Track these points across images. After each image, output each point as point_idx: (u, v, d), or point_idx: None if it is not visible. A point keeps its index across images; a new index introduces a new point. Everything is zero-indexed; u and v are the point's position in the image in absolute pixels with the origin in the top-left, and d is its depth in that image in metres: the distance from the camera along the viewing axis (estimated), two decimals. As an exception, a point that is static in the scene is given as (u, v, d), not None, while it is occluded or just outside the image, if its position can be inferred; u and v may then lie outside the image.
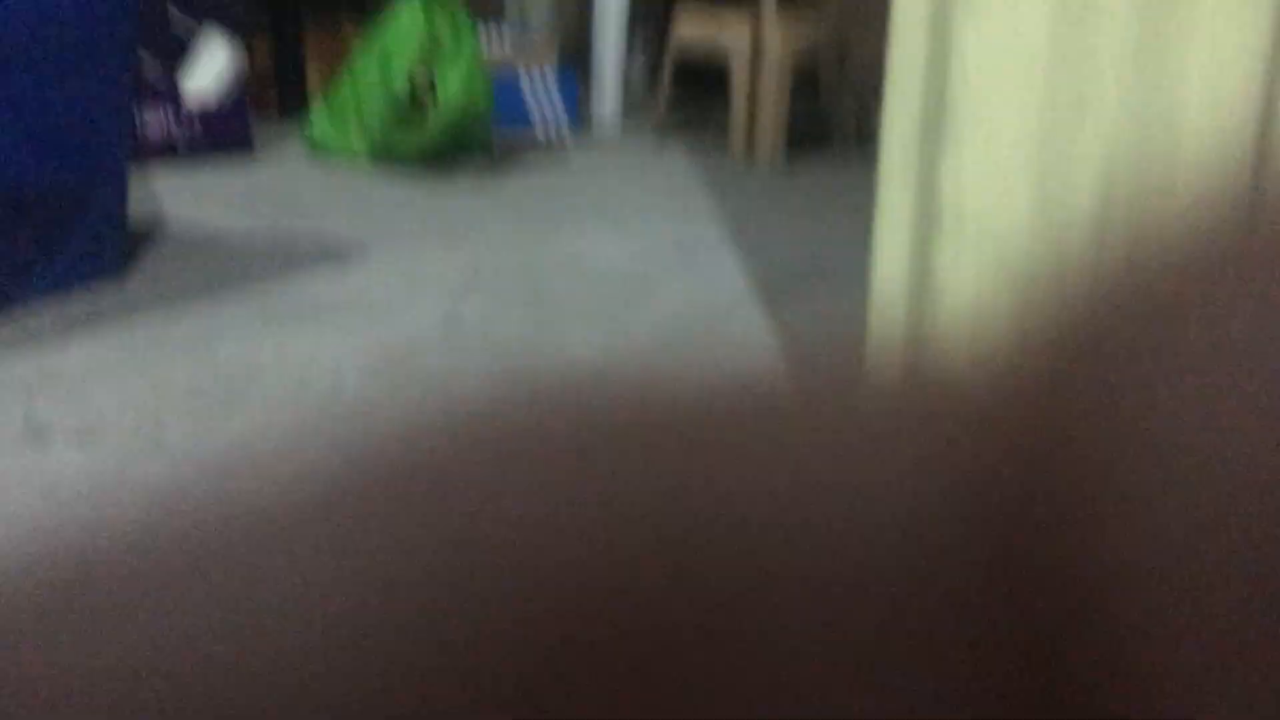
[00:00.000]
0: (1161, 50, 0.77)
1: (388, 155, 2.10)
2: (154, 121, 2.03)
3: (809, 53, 2.34)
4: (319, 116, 2.18)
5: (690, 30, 2.36)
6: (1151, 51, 0.77)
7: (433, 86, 2.10)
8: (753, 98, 2.29)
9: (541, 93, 2.45)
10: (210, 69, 2.12)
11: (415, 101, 2.09)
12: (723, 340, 1.36)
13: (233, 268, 1.54)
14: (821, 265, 1.65)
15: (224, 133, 2.12)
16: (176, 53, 2.08)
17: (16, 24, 1.25)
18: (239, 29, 2.22)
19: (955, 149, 0.83)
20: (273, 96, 2.47)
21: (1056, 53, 0.80)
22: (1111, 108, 0.79)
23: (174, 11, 2.08)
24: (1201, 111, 0.76)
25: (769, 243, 1.75)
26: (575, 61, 2.75)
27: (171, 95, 2.06)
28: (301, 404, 1.14)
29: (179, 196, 1.88)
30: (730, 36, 2.28)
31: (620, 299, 1.48)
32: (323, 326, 1.34)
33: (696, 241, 1.74)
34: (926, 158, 0.87)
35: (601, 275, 1.57)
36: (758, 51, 2.27)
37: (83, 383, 1.17)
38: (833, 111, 2.56)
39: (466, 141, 2.20)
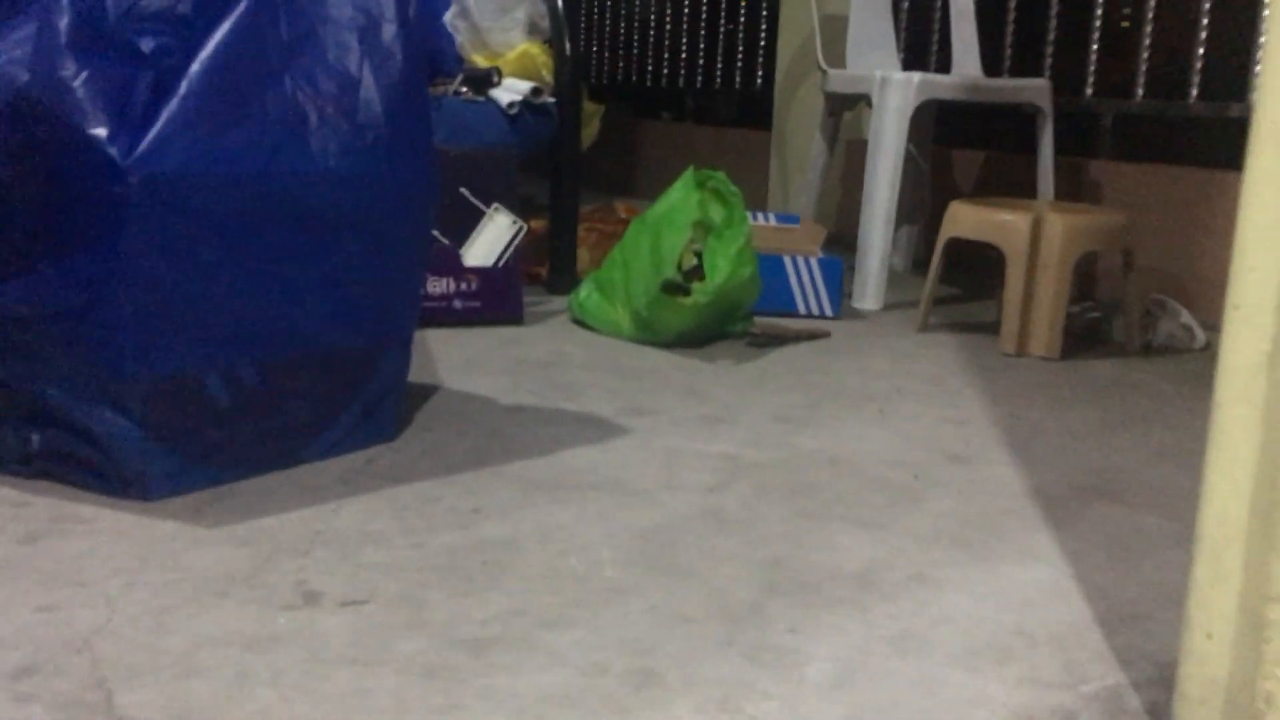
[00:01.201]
0: None
1: (650, 333, 2.13)
2: (435, 288, 2.14)
3: (1090, 250, 2.24)
4: (586, 290, 2.24)
5: (963, 229, 2.30)
6: None
7: (701, 267, 2.13)
8: (1028, 294, 2.20)
9: (806, 279, 2.44)
10: (491, 246, 2.22)
11: (683, 281, 2.12)
12: (1006, 555, 1.25)
13: (498, 439, 1.56)
14: (1110, 479, 1.52)
15: (498, 303, 2.21)
16: (464, 228, 2.20)
17: (334, 192, 1.33)
18: (520, 209, 2.34)
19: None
20: (544, 273, 2.57)
21: None
22: None
23: (465, 192, 2.21)
24: None
25: (1048, 448, 1.63)
26: (839, 244, 2.74)
27: (454, 268, 2.17)
28: (558, 585, 1.11)
29: (452, 362, 1.95)
30: (1006, 235, 2.21)
31: (886, 499, 1.40)
32: (582, 506, 1.33)
33: (967, 441, 1.65)
34: (1273, 395, 0.77)
35: (865, 472, 1.49)
36: (1035, 248, 2.19)
37: (352, 545, 1.19)
38: (1112, 313, 2.43)
39: (728, 324, 2.20)
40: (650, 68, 4.86)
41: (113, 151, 1.17)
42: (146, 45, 1.26)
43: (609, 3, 5.10)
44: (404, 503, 1.31)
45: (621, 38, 5.03)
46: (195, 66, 1.24)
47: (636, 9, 4.91)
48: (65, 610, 1.01)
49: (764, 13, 4.14)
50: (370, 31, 1.37)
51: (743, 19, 4.28)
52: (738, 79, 4.35)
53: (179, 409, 1.27)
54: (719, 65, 4.45)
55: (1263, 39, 0.75)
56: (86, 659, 0.93)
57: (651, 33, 4.83)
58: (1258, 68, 2.26)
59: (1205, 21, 2.64)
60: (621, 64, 5.04)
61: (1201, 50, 2.66)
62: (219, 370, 1.29)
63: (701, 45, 4.53)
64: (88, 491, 1.28)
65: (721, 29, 4.40)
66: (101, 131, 1.17)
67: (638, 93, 4.95)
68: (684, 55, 4.64)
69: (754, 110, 4.11)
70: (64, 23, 1.20)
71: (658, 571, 1.16)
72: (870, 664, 0.99)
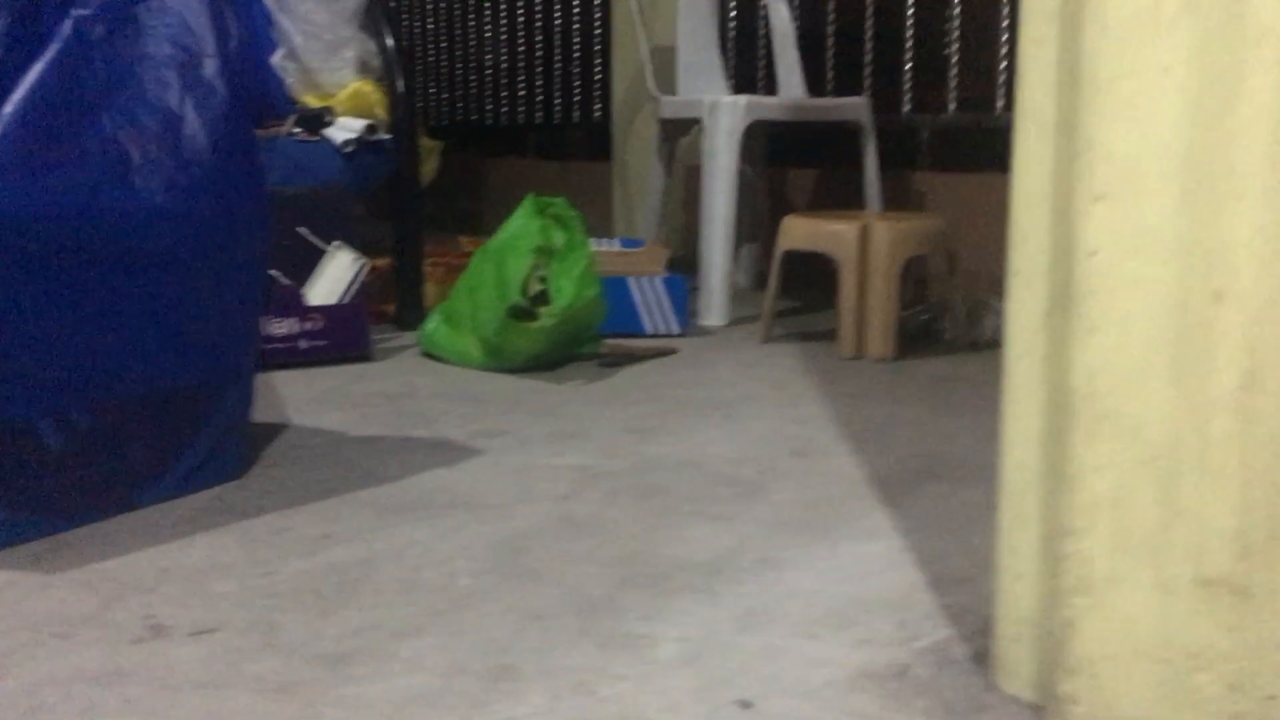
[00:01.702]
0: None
1: (500, 359, 2.15)
2: (279, 330, 2.12)
3: (916, 255, 2.36)
4: (434, 322, 2.25)
5: (797, 239, 2.40)
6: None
7: (545, 292, 2.17)
8: (862, 299, 2.30)
9: (652, 299, 2.50)
10: (334, 283, 2.22)
11: (527, 307, 2.15)
12: (845, 535, 1.31)
13: (349, 468, 1.56)
14: (939, 461, 1.60)
15: (344, 341, 2.20)
16: (302, 267, 2.19)
17: (160, 229, 1.32)
18: (363, 247, 2.34)
19: (1085, 338, 0.81)
20: (391, 310, 2.57)
21: (1188, 240, 0.78)
22: (1250, 295, 0.77)
23: (304, 231, 2.20)
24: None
25: (882, 438, 1.72)
26: (683, 266, 2.82)
27: (298, 307, 2.15)
28: (414, 597, 1.13)
29: (299, 400, 1.93)
30: (836, 244, 2.32)
31: (733, 493, 1.45)
32: (436, 523, 1.34)
33: (809, 436, 1.72)
34: (1055, 346, 0.85)
35: (714, 471, 1.55)
36: (865, 255, 2.30)
37: (199, 578, 1.17)
38: (941, 313, 2.56)
39: (578, 346, 2.24)
40: (490, 106, 4.90)
41: (-77, 196, 1.14)
42: (-45, 88, 1.24)
43: (445, 44, 5.13)
44: (253, 535, 1.30)
45: (459, 78, 5.06)
46: (8, 108, 1.22)
47: (473, 50, 4.95)
48: (-105, 665, 0.98)
49: (597, 46, 4.23)
50: (190, 67, 1.37)
51: (577, 54, 4.36)
52: (577, 112, 4.42)
53: (9, 458, 1.23)
54: (557, 100, 4.52)
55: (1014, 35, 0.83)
56: (-80, 709, 0.90)
57: (489, 71, 4.87)
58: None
59: (1005, 39, 2.83)
60: (461, 104, 5.07)
61: (1004, 65, 2.84)
62: (49, 415, 1.26)
63: (539, 82, 4.60)
64: (-85, 549, 1.23)
65: (557, 64, 4.48)
66: (-90, 176, 1.14)
67: (480, 131, 4.99)
68: (523, 92, 4.70)
69: (596, 142, 4.19)
70: None
71: (512, 577, 1.18)
72: (718, 640, 1.03)
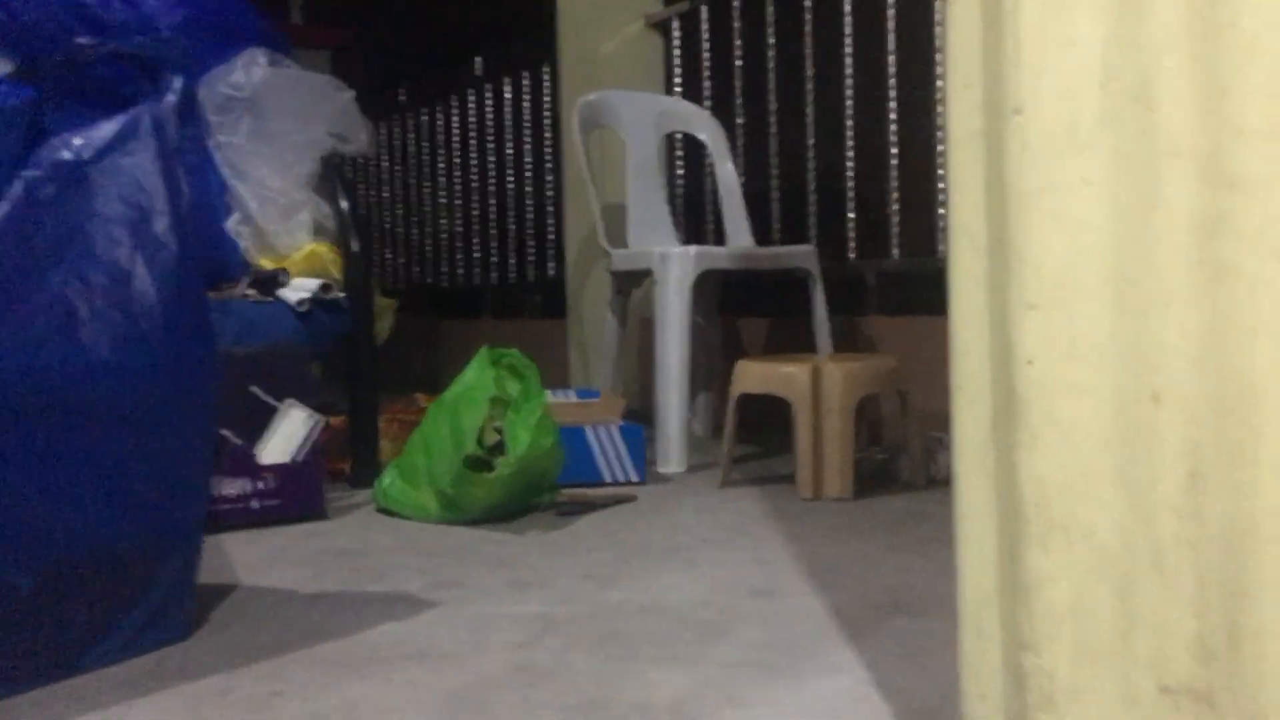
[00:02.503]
0: (1228, 336, 0.76)
1: (457, 511, 2.12)
2: (231, 490, 2.09)
3: (868, 394, 2.38)
4: (390, 477, 2.23)
5: (750, 383, 2.42)
6: (1220, 338, 0.77)
7: (500, 443, 2.16)
8: (817, 440, 2.31)
9: (609, 448, 2.50)
10: (287, 442, 2.20)
11: (484, 457, 2.14)
12: (810, 671, 1.28)
13: (299, 626, 1.51)
14: (901, 595, 1.59)
15: (297, 499, 2.17)
16: (256, 427, 2.17)
17: (107, 383, 1.31)
18: (317, 406, 2.33)
19: (1030, 446, 0.82)
20: (345, 469, 2.54)
21: (1122, 344, 0.80)
22: (1187, 396, 0.78)
23: (256, 390, 2.20)
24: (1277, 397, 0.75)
25: (844, 576, 1.70)
26: (641, 418, 2.82)
27: (249, 467, 2.12)
28: (365, 755, 1.08)
29: (250, 560, 1.89)
30: (790, 386, 2.34)
31: (695, 635, 1.42)
32: (389, 678, 1.30)
33: (770, 578, 1.70)
34: (1002, 458, 0.85)
35: (677, 615, 1.52)
36: (818, 396, 2.32)
37: (140, 742, 1.12)
38: (897, 455, 2.57)
39: (536, 495, 2.22)
40: (445, 269, 4.97)
41: None
42: (-98, 249, 1.24)
43: (400, 210, 5.24)
44: (197, 697, 1.25)
45: (414, 242, 5.15)
46: (-45, 266, 1.22)
47: (428, 214, 5.05)
48: None
49: (550, 207, 4.34)
50: (142, 224, 1.39)
51: (530, 215, 4.47)
52: (532, 272, 4.50)
53: (-57, 622, 1.19)
54: (512, 260, 4.60)
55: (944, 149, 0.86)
56: None
57: (444, 235, 4.96)
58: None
59: (941, 185, 2.93)
60: (417, 267, 5.14)
61: (942, 210, 2.94)
62: (-12, 576, 1.22)
63: (493, 243, 4.69)
64: None
65: (511, 225, 4.58)
66: None
67: (436, 293, 5.05)
68: (478, 254, 4.78)
69: (551, 300, 4.25)
70: None
71: (468, 728, 1.14)
72: (682, 783, 0.99)
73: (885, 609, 1.52)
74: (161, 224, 1.41)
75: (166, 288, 1.39)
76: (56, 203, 1.34)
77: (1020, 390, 0.81)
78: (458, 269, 4.90)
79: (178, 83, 1.50)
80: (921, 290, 3.01)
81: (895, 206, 3.03)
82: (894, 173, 3.04)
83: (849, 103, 3.16)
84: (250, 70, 2.49)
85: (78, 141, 1.39)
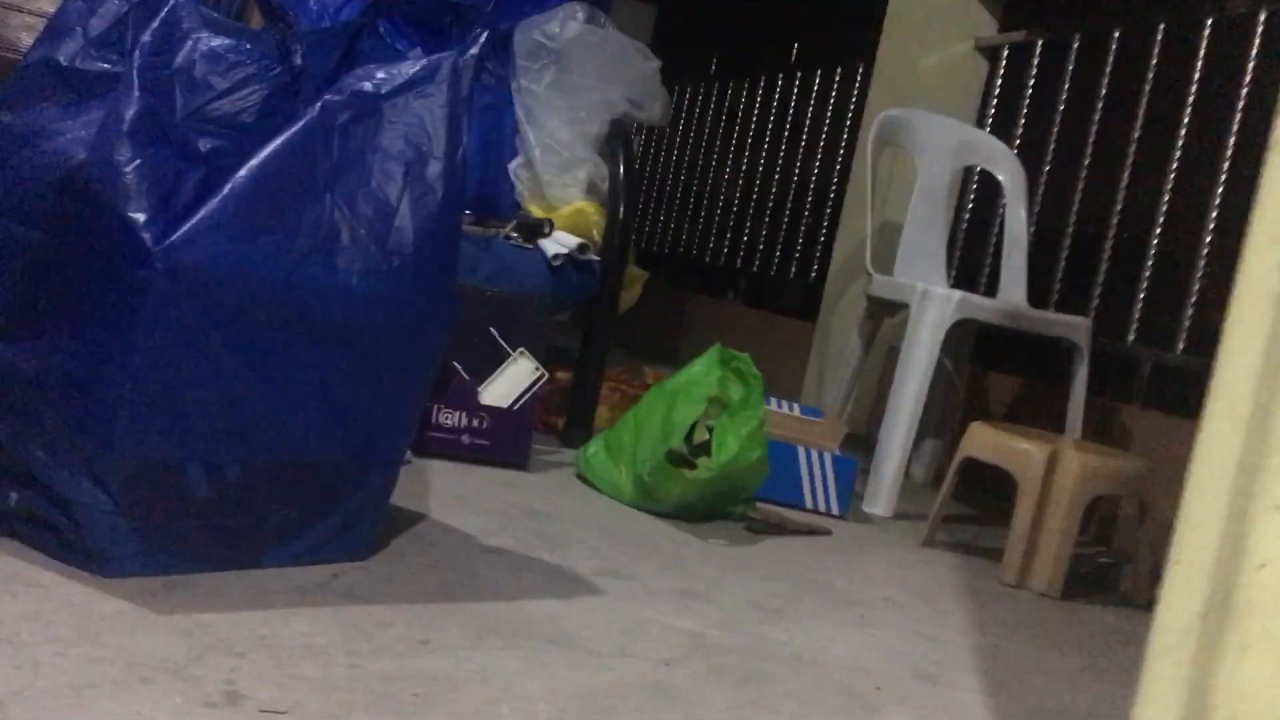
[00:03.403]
0: None
1: (649, 500, 2.13)
2: (447, 420, 2.17)
3: (1106, 494, 2.22)
4: (595, 447, 2.26)
5: (980, 449, 2.30)
6: None
7: (708, 443, 2.14)
8: (1038, 522, 2.18)
9: (818, 474, 2.44)
10: (510, 388, 2.26)
11: (688, 455, 2.13)
12: (945, 785, 1.21)
13: (468, 577, 1.56)
14: (1078, 726, 1.47)
15: (505, 446, 2.23)
16: (485, 366, 2.25)
17: (351, 310, 1.38)
18: (550, 358, 2.38)
19: (1238, 655, 0.72)
20: (559, 424, 2.60)
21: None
22: None
23: (494, 332, 2.27)
24: None
25: (1020, 684, 1.59)
26: (862, 445, 2.74)
27: (469, 403, 2.20)
28: (482, 734, 1.10)
29: (445, 495, 1.96)
30: (1021, 463, 2.21)
31: (841, 704, 1.37)
32: (531, 657, 1.31)
33: (942, 662, 1.61)
34: (1204, 653, 0.76)
35: (830, 675, 1.46)
36: (1049, 481, 2.18)
37: (290, 654, 1.18)
38: (1124, 561, 2.39)
39: (729, 504, 2.20)
40: (711, 244, 4.98)
41: (146, 236, 1.22)
42: (204, 145, 1.34)
43: (684, 176, 5.28)
44: (355, 622, 1.31)
45: (689, 210, 5.18)
46: (242, 172, 1.31)
47: (709, 186, 5.07)
48: (-11, 668, 1.02)
49: (828, 209, 4.26)
50: (416, 165, 1.44)
51: (807, 213, 4.40)
52: (793, 268, 4.44)
53: (156, 493, 1.29)
54: (778, 252, 4.56)
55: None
56: (-8, 720, 0.93)
57: (717, 212, 4.97)
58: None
59: (1250, 287, 2.67)
60: (684, 235, 5.17)
61: (1243, 314, 2.68)
62: (203, 462, 1.31)
63: (764, 230, 4.65)
64: (50, 558, 1.29)
65: (786, 217, 4.53)
66: (140, 216, 1.23)
67: (693, 266, 5.07)
68: (746, 236, 4.76)
69: (805, 302, 4.19)
70: (130, 113, 1.28)
71: (586, 737, 1.14)
72: None
73: (1051, 737, 1.42)
74: (434, 169, 1.46)
75: (424, 231, 1.44)
76: (347, 130, 1.41)
77: (1242, 593, 0.72)
78: (722, 247, 4.90)
79: (483, 36, 1.55)
80: (1200, 393, 2.77)
81: (1194, 297, 2.78)
82: (1202, 259, 2.79)
83: (1172, 173, 2.92)
84: (566, 24, 2.54)
85: (380, 75, 1.45)
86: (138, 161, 1.25)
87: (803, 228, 4.40)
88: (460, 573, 1.57)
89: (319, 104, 1.39)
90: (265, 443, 1.37)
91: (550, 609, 1.50)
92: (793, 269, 4.43)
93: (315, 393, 1.40)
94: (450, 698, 1.16)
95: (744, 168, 4.88)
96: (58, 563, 1.28)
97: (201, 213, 1.27)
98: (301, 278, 1.34)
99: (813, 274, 4.27)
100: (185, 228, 1.25)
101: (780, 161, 4.65)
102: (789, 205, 4.51)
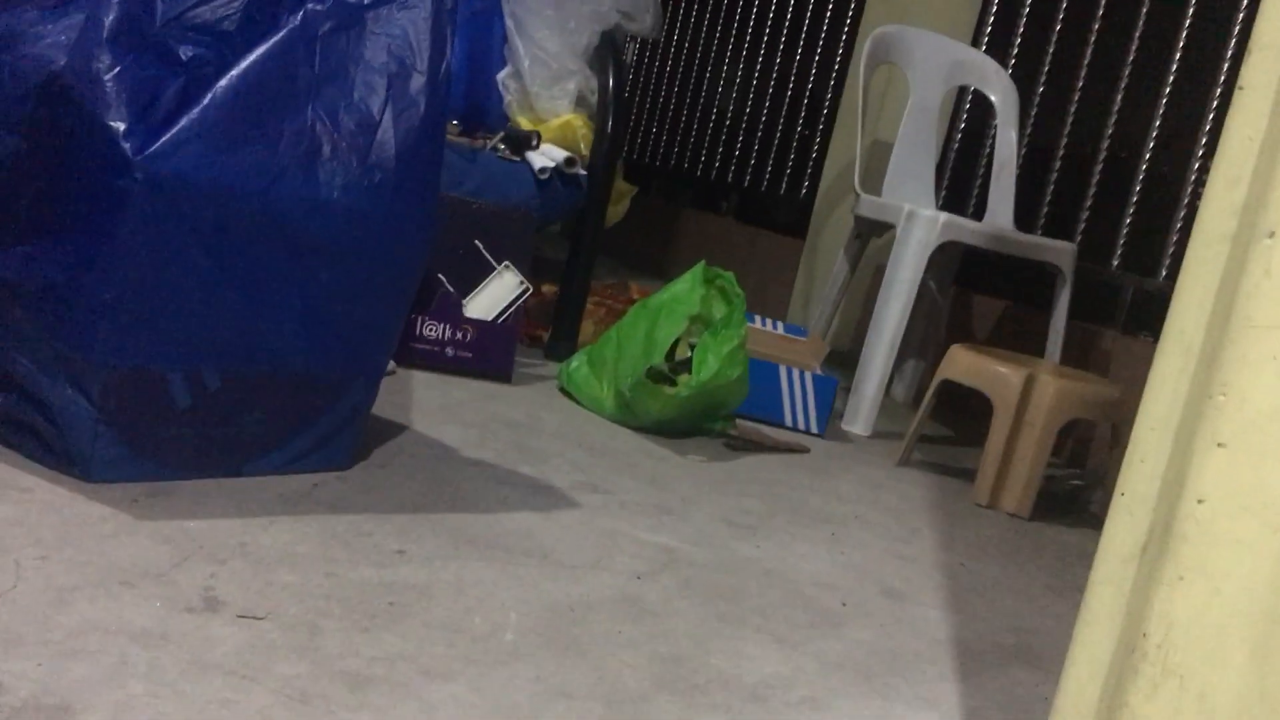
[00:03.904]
0: None
1: (629, 415, 2.16)
2: (431, 332, 2.19)
3: (1080, 418, 2.25)
4: (578, 361, 2.28)
5: (958, 371, 2.33)
6: None
7: (690, 361, 2.16)
8: (1010, 450, 2.21)
9: (798, 393, 2.47)
10: (494, 301, 2.27)
11: (668, 372, 2.15)
12: (904, 697, 1.25)
13: (447, 488, 1.59)
14: (1036, 643, 1.52)
15: (488, 359, 2.25)
16: (470, 280, 2.25)
17: (331, 223, 1.38)
18: (537, 270, 2.39)
19: (1171, 585, 0.75)
20: (543, 337, 2.61)
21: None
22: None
23: (479, 245, 2.27)
24: None
25: (985, 602, 1.64)
26: (846, 362, 2.77)
27: (453, 315, 2.21)
28: (454, 639, 1.13)
29: (427, 407, 1.98)
30: (997, 387, 2.24)
31: (807, 619, 1.41)
32: (505, 568, 1.35)
33: (908, 580, 1.66)
34: (1140, 583, 0.79)
35: (798, 591, 1.51)
36: (1024, 405, 2.21)
37: (269, 562, 1.21)
38: (1095, 483, 2.44)
39: (709, 421, 2.23)
40: (703, 157, 4.95)
41: (126, 146, 1.22)
42: (185, 53, 1.33)
43: (676, 88, 5.22)
44: (334, 532, 1.34)
45: (680, 123, 5.13)
46: (223, 81, 1.30)
47: (701, 99, 5.01)
48: (-26, 570, 1.05)
49: (821, 125, 4.23)
50: (399, 78, 1.43)
51: (799, 129, 4.37)
52: (785, 185, 4.42)
53: (138, 401, 1.31)
54: (770, 168, 4.53)
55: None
56: (-23, 620, 0.96)
57: (710, 124, 4.93)
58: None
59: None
60: (675, 148, 5.13)
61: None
62: (183, 371, 1.33)
63: (756, 145, 4.62)
64: (35, 464, 1.32)
65: (778, 132, 4.49)
66: (119, 125, 1.23)
67: (684, 179, 5.04)
68: (739, 151, 4.73)
69: (795, 219, 4.18)
70: (110, 19, 1.27)
71: (556, 646, 1.18)
72: (730, 775, 1.00)
73: (1009, 653, 1.46)
74: (418, 83, 1.45)
75: (406, 145, 1.44)
76: (329, 40, 1.40)
77: (1180, 525, 0.75)
78: (714, 161, 4.87)
79: (468, -54, 1.53)
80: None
81: (1179, 225, 2.79)
82: (1189, 188, 2.79)
83: (1164, 99, 2.91)
84: (557, -68, 2.50)
85: (362, -15, 1.44)
86: (117, 69, 1.25)
87: (795, 144, 4.37)
88: (440, 484, 1.60)
89: (300, 13, 1.38)
90: (246, 355, 1.38)
91: (527, 522, 1.53)
92: (784, 185, 4.41)
93: (296, 306, 1.41)
94: (424, 606, 1.20)
95: (737, 81, 4.82)
96: (41, 467, 1.31)
97: (182, 122, 1.26)
98: (282, 190, 1.34)
99: (804, 190, 4.26)
100: (165, 137, 1.25)
101: (774, 76, 4.60)
102: (781, 120, 4.48)
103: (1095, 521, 2.29)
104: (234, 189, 1.30)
